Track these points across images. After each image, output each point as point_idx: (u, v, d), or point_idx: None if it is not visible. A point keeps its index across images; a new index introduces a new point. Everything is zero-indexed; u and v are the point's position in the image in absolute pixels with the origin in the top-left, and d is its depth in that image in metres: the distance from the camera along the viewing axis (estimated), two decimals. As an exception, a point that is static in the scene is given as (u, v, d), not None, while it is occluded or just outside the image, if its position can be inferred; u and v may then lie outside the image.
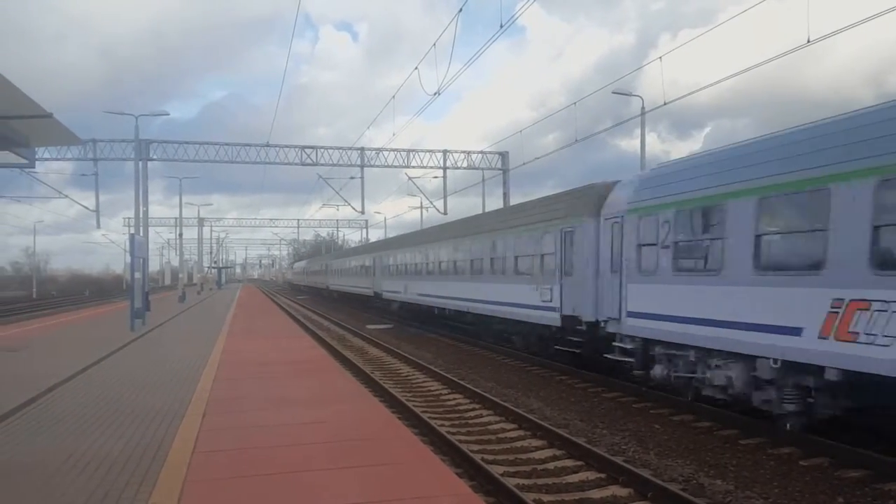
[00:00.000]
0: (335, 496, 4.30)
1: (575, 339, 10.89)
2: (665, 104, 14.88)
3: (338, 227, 78.59)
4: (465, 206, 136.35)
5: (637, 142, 20.12)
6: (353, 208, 34.71)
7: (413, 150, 32.47)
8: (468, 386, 10.81)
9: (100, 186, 29.11)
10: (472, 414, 9.19)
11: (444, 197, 33.58)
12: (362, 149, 31.85)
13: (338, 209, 47.93)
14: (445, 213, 34.38)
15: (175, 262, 76.73)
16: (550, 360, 12.06)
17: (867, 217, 5.35)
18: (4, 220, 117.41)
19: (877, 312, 5.26)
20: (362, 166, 31.92)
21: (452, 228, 18.61)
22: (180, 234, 43.58)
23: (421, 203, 46.47)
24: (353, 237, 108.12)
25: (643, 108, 19.78)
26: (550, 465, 6.71)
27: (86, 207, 29.00)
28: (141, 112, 25.60)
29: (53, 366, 10.26)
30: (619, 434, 8.00)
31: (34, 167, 15.15)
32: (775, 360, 6.39)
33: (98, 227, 30.68)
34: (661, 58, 13.97)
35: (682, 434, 7.89)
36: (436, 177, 34.16)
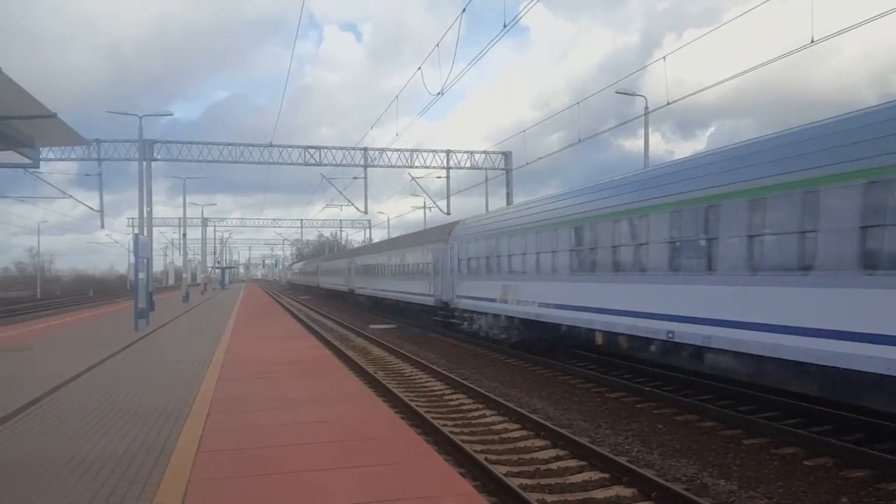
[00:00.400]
0: (339, 496, 4.31)
1: (441, 312, 18.81)
2: (668, 104, 14.87)
3: (341, 228, 78.70)
4: (469, 205, 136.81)
5: (641, 142, 20.08)
6: (357, 208, 34.76)
7: (416, 150, 32.44)
8: (471, 386, 10.82)
9: (104, 186, 29.18)
10: (475, 414, 9.20)
11: (448, 197, 33.60)
12: (365, 149, 31.87)
13: (341, 209, 48.08)
14: (448, 213, 34.41)
15: (179, 263, 76.96)
16: (428, 327, 20.37)
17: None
18: (9, 221, 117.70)
19: (511, 288, 12.84)
20: (365, 166, 31.94)
21: (387, 244, 27.53)
22: (184, 235, 43.84)
23: (424, 203, 46.49)
24: (356, 237, 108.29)
25: (646, 107, 19.76)
26: (554, 466, 6.71)
27: (90, 207, 29.00)
28: (145, 112, 25.76)
29: (57, 366, 10.30)
30: (623, 434, 7.99)
31: (38, 167, 15.20)
32: (496, 316, 14.45)
33: (102, 227, 30.68)
34: (664, 57, 14.00)
35: (686, 434, 7.88)
36: (439, 177, 34.18)
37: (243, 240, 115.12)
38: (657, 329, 8.71)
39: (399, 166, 32.40)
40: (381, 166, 32.46)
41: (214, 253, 74.96)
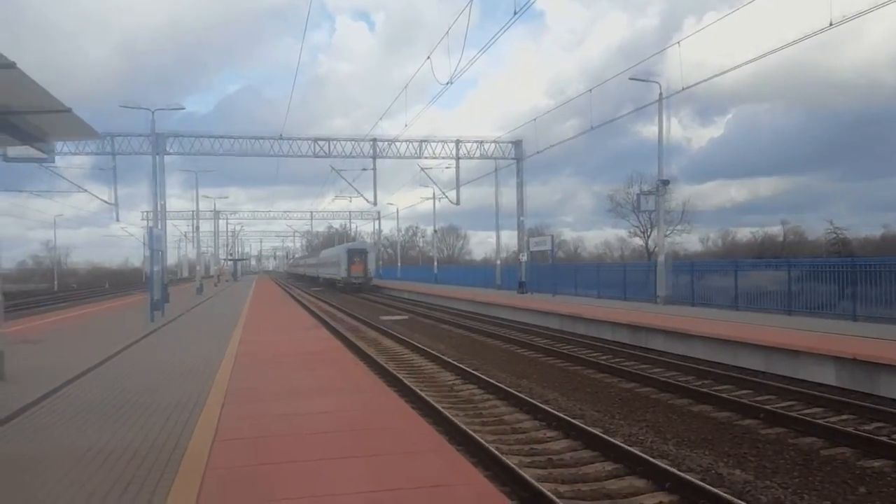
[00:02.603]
0: (352, 483, 4.31)
1: (341, 283, 41.04)
2: (683, 89, 14.67)
3: (350, 219, 78.91)
4: (479, 195, 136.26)
5: (662, 126, 19.76)
6: (366, 200, 34.75)
7: (426, 140, 32.24)
8: (482, 376, 10.82)
9: (118, 180, 29.28)
10: (486, 405, 9.19)
11: (457, 187, 33.54)
12: (374, 140, 31.79)
13: (350, 200, 48.07)
14: (458, 204, 34.47)
15: (192, 255, 77.48)
16: (339, 290, 39.73)
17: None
18: (25, 215, 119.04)
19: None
20: (374, 157, 31.90)
21: (328, 249, 54.40)
22: (197, 227, 44.09)
23: (434, 194, 46.51)
24: (365, 229, 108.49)
25: (661, 93, 19.51)
26: (566, 456, 6.68)
27: (104, 201, 29.02)
28: (157, 107, 25.83)
29: (75, 357, 10.40)
30: (637, 425, 7.95)
31: (53, 161, 15.29)
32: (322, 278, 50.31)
33: (117, 220, 30.89)
34: (679, 42, 13.83)
35: (701, 425, 7.82)
36: (448, 167, 34.08)
37: (255, 232, 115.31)
38: None
39: (408, 157, 32.33)
40: (390, 157, 32.42)
41: (227, 245, 75.41)
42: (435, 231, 54.54)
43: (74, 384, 8.20)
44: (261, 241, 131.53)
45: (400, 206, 62.82)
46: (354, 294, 42.79)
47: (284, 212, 78.21)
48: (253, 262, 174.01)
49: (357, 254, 46.83)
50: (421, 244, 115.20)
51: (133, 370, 9.28)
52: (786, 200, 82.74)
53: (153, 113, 25.15)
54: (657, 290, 19.61)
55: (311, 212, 76.06)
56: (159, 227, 25.75)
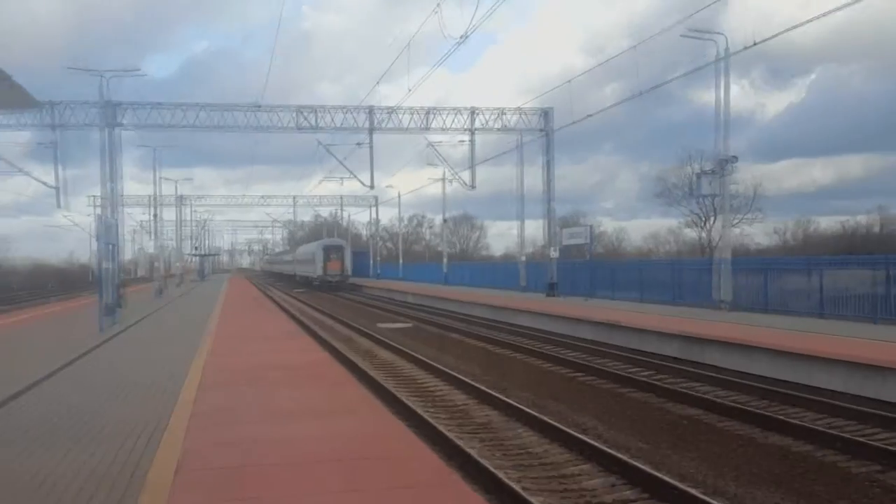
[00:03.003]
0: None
1: (316, 281, 50.84)
2: (755, 44, 14.47)
3: (342, 206, 79.16)
4: (499, 177, 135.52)
5: (720, 93, 19.61)
6: (361, 182, 34.90)
7: (434, 110, 32.24)
8: (501, 397, 10.86)
9: (63, 160, 29.40)
10: (507, 432, 9.23)
11: (472, 167, 33.51)
12: (371, 108, 31.89)
13: (342, 183, 48.01)
14: (473, 187, 34.53)
15: (150, 249, 77.93)
16: (314, 289, 49.34)
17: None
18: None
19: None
20: (371, 130, 31.98)
21: (304, 246, 67.89)
22: (156, 216, 44.36)
23: (444, 175, 46.51)
24: (360, 218, 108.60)
25: (727, 49, 19.29)
26: (608, 497, 6.71)
27: (45, 184, 29.17)
28: (110, 69, 25.94)
29: (9, 374, 10.55)
30: (690, 458, 7.97)
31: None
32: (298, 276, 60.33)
33: (59, 206, 30.73)
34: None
35: (770, 461, 7.81)
36: (461, 142, 34.07)
37: (227, 221, 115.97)
38: None
39: (412, 130, 32.36)
40: (390, 130, 32.45)
41: (193, 237, 75.88)
42: (445, 220, 54.69)
43: (10, 405, 8.33)
44: (234, 232, 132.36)
45: (402, 191, 63.49)
46: (347, 297, 43.21)
47: (262, 197, 77.97)
48: (225, 258, 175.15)
49: (333, 250, 54.53)
50: (428, 237, 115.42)
51: (81, 389, 9.40)
52: (881, 183, 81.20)
53: (104, 77, 25.34)
54: (717, 292, 19.53)
55: (295, 197, 76.36)
56: (111, 215, 26.01)
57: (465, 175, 35.09)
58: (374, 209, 73.22)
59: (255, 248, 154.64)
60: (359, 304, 37.56)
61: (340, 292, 48.54)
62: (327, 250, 54.32)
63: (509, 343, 18.10)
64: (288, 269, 73.56)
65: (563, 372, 13.85)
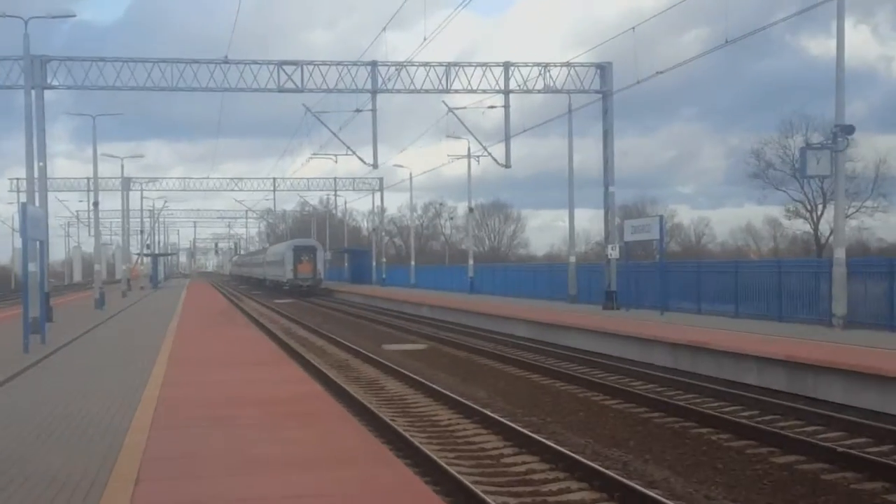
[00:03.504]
0: None
1: (287, 286, 62.27)
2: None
3: (336, 191, 79.50)
4: (541, 153, 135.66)
5: (834, 42, 19.30)
6: (361, 160, 34.98)
7: (457, 65, 32.16)
8: (546, 442, 10.73)
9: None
10: (554, 488, 9.12)
11: (507, 139, 33.44)
12: (375, 64, 31.87)
13: (336, 161, 48.22)
14: (508, 166, 34.46)
15: (89, 248, 78.68)
16: (284, 294, 61.32)
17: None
18: None
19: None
20: (374, 92, 32.01)
21: (268, 247, 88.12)
22: (96, 204, 44.69)
23: (469, 150, 46.45)
24: (360, 206, 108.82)
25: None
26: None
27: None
28: (34, 14, 26.08)
29: None
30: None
31: None
32: (268, 280, 74.81)
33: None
34: None
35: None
36: (493, 107, 33.97)
37: (187, 211, 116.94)
38: None
39: (428, 91, 32.30)
40: (399, 91, 32.44)
41: (142, 232, 76.64)
42: (471, 210, 54.48)
43: None
44: (195, 226, 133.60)
45: (415, 171, 63.64)
46: (344, 312, 43.49)
47: (233, 179, 78.91)
48: (183, 259, 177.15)
49: (304, 252, 62.61)
50: (448, 231, 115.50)
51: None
52: None
53: (28, 23, 25.49)
54: (836, 304, 19.18)
55: (275, 179, 76.98)
56: (39, 203, 26.17)
57: (498, 150, 35.05)
58: (377, 195, 73.56)
59: (225, 245, 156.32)
60: (359, 319, 37.63)
61: (346, 306, 49.65)
62: (298, 251, 62.60)
63: (557, 371, 18.00)
64: (258, 273, 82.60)
65: (630, 409, 13.69)
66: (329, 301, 55.16)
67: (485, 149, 36.87)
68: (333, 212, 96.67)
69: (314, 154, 47.36)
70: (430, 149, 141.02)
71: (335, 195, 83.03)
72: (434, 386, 15.78)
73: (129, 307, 38.84)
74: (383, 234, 77.44)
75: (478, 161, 46.88)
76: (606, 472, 9.20)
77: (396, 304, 43.92)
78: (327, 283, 66.68)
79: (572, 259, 34.51)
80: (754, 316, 22.46)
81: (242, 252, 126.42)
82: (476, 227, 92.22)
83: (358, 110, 33.42)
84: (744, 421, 12.19)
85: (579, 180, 35.44)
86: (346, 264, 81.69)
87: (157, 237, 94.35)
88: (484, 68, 31.97)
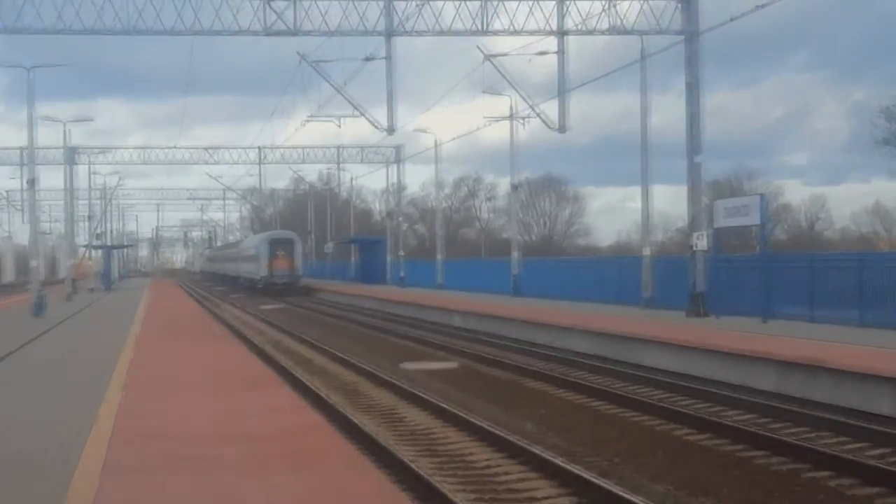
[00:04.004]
0: None
1: (261, 283, 70.91)
2: None
3: (339, 163, 79.73)
4: (607, 111, 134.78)
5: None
6: (373, 123, 35.10)
7: None
8: (615, 490, 10.69)
9: None
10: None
11: (561, 96, 33.35)
12: (390, -1, 31.88)
13: (339, 125, 48.36)
14: (562, 131, 34.35)
15: (23, 239, 79.21)
16: (258, 292, 70.21)
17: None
18: None
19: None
20: (389, 35, 32.04)
21: (239, 241, 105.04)
22: (31, 181, 45.01)
23: (512, 109, 46.09)
24: (371, 184, 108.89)
25: None
26: None
27: None
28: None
29: None
30: None
31: None
32: (242, 277, 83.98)
33: None
34: None
35: None
36: (543, 52, 33.87)
37: (149, 191, 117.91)
38: None
39: (458, 33, 32.25)
40: (422, 33, 32.42)
41: (91, 219, 77.25)
42: (515, 187, 54.32)
43: None
44: (158, 211, 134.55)
45: (442, 137, 62.85)
46: (352, 321, 43.55)
47: (207, 149, 79.22)
48: (144, 253, 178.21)
49: (281, 245, 70.40)
50: (486, 214, 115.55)
51: None
52: None
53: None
54: None
55: (261, 149, 77.30)
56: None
57: (550, 109, 34.97)
58: (394, 168, 73.69)
59: (198, 234, 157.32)
60: (370, 330, 37.71)
61: (353, 313, 50.13)
62: (273, 245, 70.50)
63: (628, 397, 17.98)
64: (230, 270, 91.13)
65: (723, 447, 13.64)
66: (331, 307, 55.32)
67: (532, 108, 36.89)
68: (337, 191, 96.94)
69: (311, 116, 47.85)
70: (463, 108, 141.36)
71: (339, 169, 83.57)
72: (468, 416, 15.74)
73: (76, 314, 39.14)
74: (401, 219, 77.74)
75: (524, 124, 46.58)
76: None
77: (419, 311, 43.98)
78: (328, 283, 66.99)
79: (647, 251, 34.47)
80: (886, 325, 22.26)
81: (212, 246, 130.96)
82: (522, 210, 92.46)
83: (368, 59, 33.45)
84: (872, 462, 12.08)
85: (656, 148, 35.29)
86: (353, 258, 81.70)
87: (110, 224, 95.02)
88: (531, 2, 31.92)
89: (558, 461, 12.31)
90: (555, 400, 18.44)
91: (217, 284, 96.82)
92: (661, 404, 17.00)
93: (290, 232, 78.74)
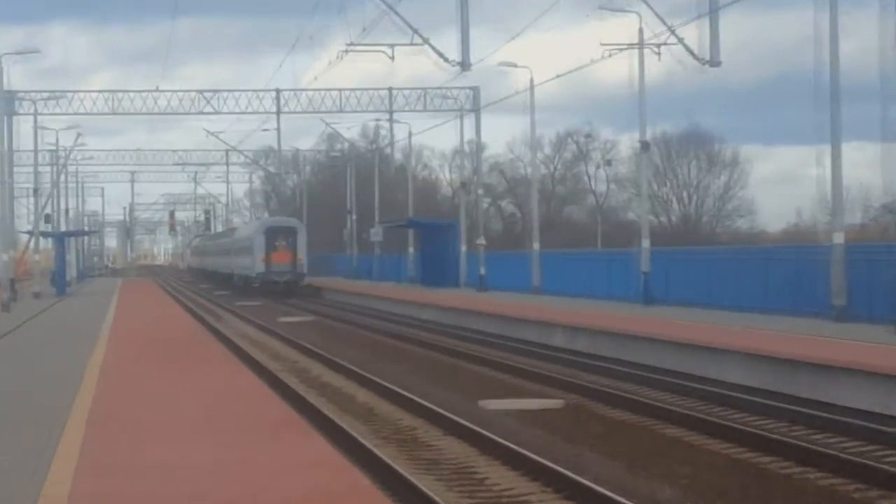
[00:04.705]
0: None
1: (257, 281, 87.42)
2: None
3: (392, 112, 79.75)
4: (778, 39, 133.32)
5: None
6: (440, 55, 35.13)
7: None
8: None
9: None
10: None
11: (711, 13, 33.21)
12: None
13: (392, 57, 48.54)
14: (715, 64, 34.18)
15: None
16: (251, 291, 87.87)
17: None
18: None
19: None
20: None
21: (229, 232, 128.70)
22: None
23: (641, 34, 45.91)
24: (436, 142, 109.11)
25: None
26: None
27: None
28: None
29: None
30: None
31: None
32: (236, 275, 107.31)
33: None
34: None
35: None
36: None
37: (120, 153, 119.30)
38: None
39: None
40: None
41: (38, 193, 78.02)
42: (645, 145, 54.08)
43: None
44: (132, 182, 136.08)
45: (539, 75, 62.57)
46: (407, 339, 43.72)
47: (203, 92, 79.90)
48: (112, 243, 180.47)
49: (281, 234, 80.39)
50: (601, 185, 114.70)
51: None
52: None
53: None
54: None
55: (279, 92, 77.59)
56: None
57: (694, 33, 34.81)
58: (469, 120, 73.34)
59: (188, 216, 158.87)
60: (435, 353, 37.85)
61: (408, 328, 50.68)
62: (271, 234, 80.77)
63: (814, 451, 17.88)
64: (223, 265, 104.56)
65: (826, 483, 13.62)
66: (376, 318, 55.64)
67: (672, 31, 36.72)
68: (387, 152, 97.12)
69: (351, 45, 48.01)
70: (568, 33, 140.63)
71: (391, 121, 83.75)
72: (579, 478, 15.76)
73: (16, 329, 39.65)
74: (481, 192, 77.57)
75: (658, 54, 46.31)
76: None
77: (505, 325, 44.24)
78: (373, 286, 67.24)
79: (839, 238, 34.20)
80: None
81: (207, 234, 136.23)
82: (655, 179, 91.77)
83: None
84: None
85: (848, 91, 34.88)
86: (410, 250, 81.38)
87: (65, 202, 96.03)
88: None
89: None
90: (703, 454, 18.34)
91: (216, 286, 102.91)
92: (861, 459, 16.80)
93: (291, 219, 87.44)
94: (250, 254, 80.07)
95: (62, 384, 22.14)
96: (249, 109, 78.88)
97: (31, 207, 79.24)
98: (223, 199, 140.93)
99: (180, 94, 79.02)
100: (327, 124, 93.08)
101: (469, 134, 74.74)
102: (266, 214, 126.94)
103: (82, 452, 14.09)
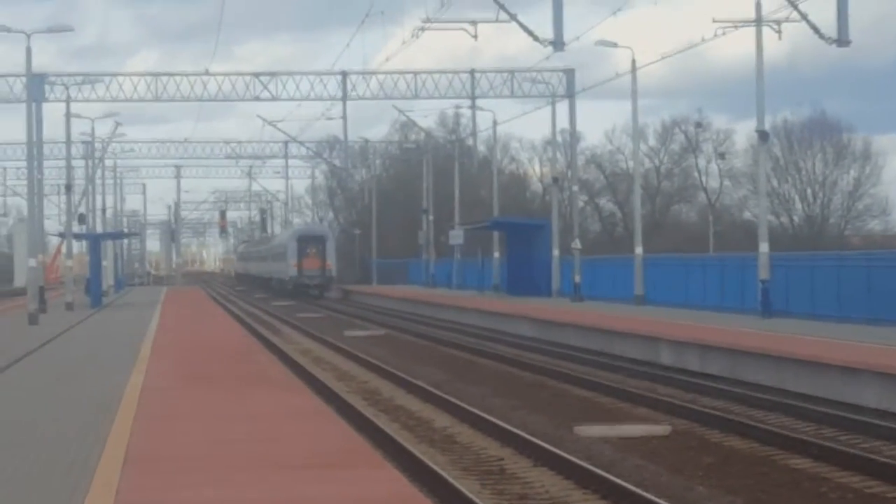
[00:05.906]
0: None
1: (290, 285, 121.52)
2: None
3: (474, 98, 79.94)
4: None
5: None
6: (530, 33, 35.16)
7: None
8: None
9: None
10: None
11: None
12: None
13: (475, 36, 48.75)
14: (844, 44, 33.94)
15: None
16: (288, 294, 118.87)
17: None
18: None
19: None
20: None
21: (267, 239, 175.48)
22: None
23: (759, 8, 45.81)
24: (524, 131, 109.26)
25: None
26: None
27: None
28: None
29: None
30: None
31: None
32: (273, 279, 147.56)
33: None
34: None
35: None
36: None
37: (164, 145, 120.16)
38: None
39: None
40: None
41: (71, 190, 78.36)
42: (763, 137, 53.93)
43: None
44: (178, 178, 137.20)
45: (642, 56, 62.41)
46: (500, 358, 43.70)
47: (259, 76, 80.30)
48: (156, 245, 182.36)
49: (311, 242, 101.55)
50: (714, 181, 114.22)
51: None
52: None
53: None
54: None
55: (346, 75, 78.02)
56: None
57: (820, 9, 34.63)
58: (563, 106, 73.30)
59: (242, 215, 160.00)
60: (524, 371, 37.87)
61: (499, 344, 50.55)
62: (302, 241, 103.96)
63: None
64: (263, 270, 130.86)
65: None
66: (456, 332, 55.82)
67: (794, 6, 36.55)
68: (469, 143, 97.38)
69: (428, 21, 48.19)
70: (676, 9, 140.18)
71: (473, 108, 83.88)
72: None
73: (43, 346, 39.92)
74: (576, 189, 77.53)
75: (778, 32, 46.24)
76: None
77: (603, 340, 44.46)
78: (452, 295, 67.34)
79: None
80: None
81: (252, 239, 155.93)
82: (775, 174, 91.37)
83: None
84: None
85: None
86: (495, 254, 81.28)
87: (101, 200, 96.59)
88: None
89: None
90: (832, 487, 18.22)
91: (270, 295, 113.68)
92: None
93: (322, 226, 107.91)
94: (284, 259, 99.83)
95: (93, 414, 22.06)
96: (312, 95, 78.72)
97: (63, 206, 79.69)
98: (281, 197, 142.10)
99: (233, 77, 79.01)
100: (400, 111, 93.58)
101: (562, 123, 75.15)
102: (330, 214, 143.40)
103: (118, 500, 14.14)
